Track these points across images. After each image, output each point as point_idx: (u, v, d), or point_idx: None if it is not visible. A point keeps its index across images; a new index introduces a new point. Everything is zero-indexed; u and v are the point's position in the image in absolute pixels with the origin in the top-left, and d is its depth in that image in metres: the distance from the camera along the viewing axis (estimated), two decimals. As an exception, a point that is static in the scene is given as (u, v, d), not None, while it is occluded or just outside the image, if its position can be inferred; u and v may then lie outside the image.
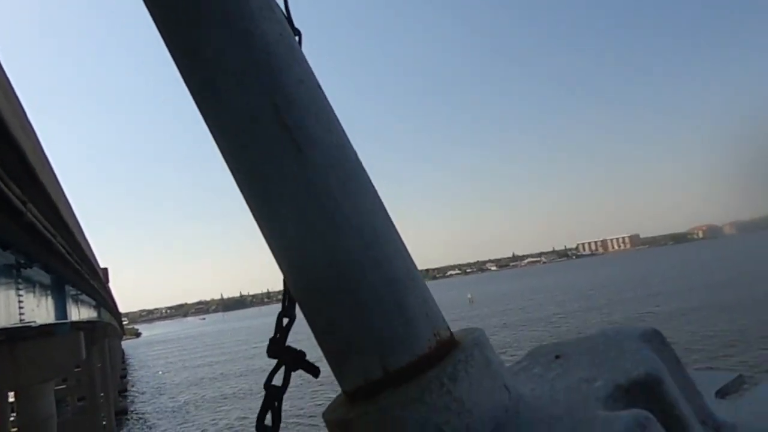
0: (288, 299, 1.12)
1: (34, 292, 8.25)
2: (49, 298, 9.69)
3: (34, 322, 7.72)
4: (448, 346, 0.93)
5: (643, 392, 0.93)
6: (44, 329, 9.70)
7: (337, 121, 1.01)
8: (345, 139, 0.99)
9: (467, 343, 0.94)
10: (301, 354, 1.09)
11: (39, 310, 8.56)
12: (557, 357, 1.28)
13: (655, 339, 1.10)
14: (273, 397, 1.09)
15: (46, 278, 9.14)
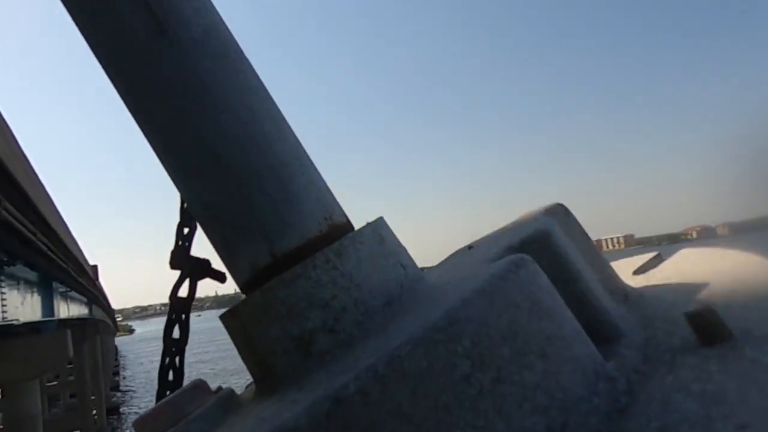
0: (185, 207, 1.06)
1: (18, 289, 8.16)
2: (35, 296, 9.59)
3: (17, 320, 7.64)
4: (342, 231, 0.89)
5: (532, 248, 0.89)
6: (31, 326, 9.62)
7: (213, 8, 0.95)
8: (218, 20, 0.94)
9: (362, 226, 0.90)
10: (206, 262, 1.05)
11: (24, 307, 8.46)
12: (470, 248, 1.24)
13: (559, 211, 1.08)
14: (178, 309, 1.04)
15: (31, 275, 9.04)
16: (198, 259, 1.07)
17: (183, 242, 1.07)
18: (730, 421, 0.54)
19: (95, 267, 22.17)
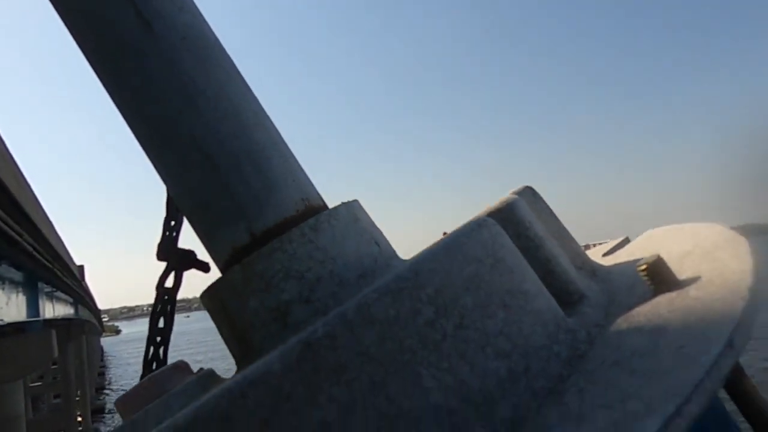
0: (171, 201, 1.09)
1: (3, 289, 8.08)
2: (21, 296, 9.50)
3: (2, 320, 7.58)
4: (318, 212, 0.92)
5: (497, 218, 0.92)
6: (16, 326, 9.52)
7: (194, 4, 1.00)
8: (200, 19, 0.99)
9: (337, 205, 0.94)
10: (191, 253, 1.08)
11: (8, 308, 8.38)
12: (444, 234, 1.29)
13: (526, 192, 1.10)
14: (164, 299, 1.07)
15: (17, 275, 8.97)
16: (184, 250, 1.10)
17: (170, 234, 1.10)
18: (672, 346, 0.59)
19: (82, 267, 21.96)
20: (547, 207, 1.10)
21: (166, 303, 1.10)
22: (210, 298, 0.93)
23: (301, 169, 0.99)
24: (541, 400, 0.60)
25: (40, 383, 23.94)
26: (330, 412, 0.56)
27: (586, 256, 1.08)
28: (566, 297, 0.84)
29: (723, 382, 0.51)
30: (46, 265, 8.96)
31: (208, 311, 0.96)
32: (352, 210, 0.93)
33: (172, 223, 1.11)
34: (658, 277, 0.79)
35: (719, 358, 0.51)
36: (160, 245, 1.09)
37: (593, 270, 1.04)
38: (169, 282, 1.10)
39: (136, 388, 0.92)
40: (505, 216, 0.91)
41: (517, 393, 0.60)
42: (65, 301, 16.86)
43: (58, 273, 10.57)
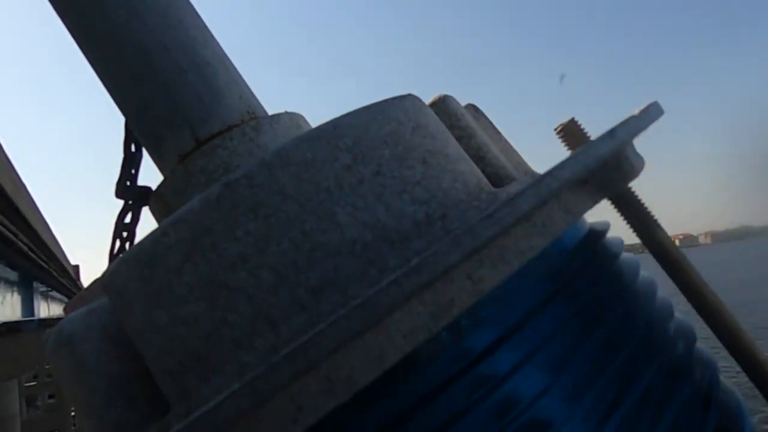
0: (128, 130, 1.12)
1: (-2, 289, 8.10)
2: (15, 295, 9.52)
3: (-4, 320, 7.58)
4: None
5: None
6: (10, 326, 9.54)
7: None
8: None
9: (280, 112, 0.95)
10: (147, 189, 1.11)
11: (3, 307, 8.40)
12: None
13: (469, 108, 1.09)
14: (123, 236, 1.10)
15: (12, 275, 8.98)
16: (140, 186, 1.13)
17: (127, 172, 1.13)
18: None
19: (77, 267, 21.90)
20: (491, 122, 1.09)
21: (124, 240, 1.13)
22: (154, 201, 0.94)
23: (249, 89, 1.00)
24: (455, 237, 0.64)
25: (34, 383, 23.89)
26: (248, 245, 0.58)
27: (528, 166, 1.10)
28: (497, 181, 0.83)
29: (599, 162, 0.58)
30: (42, 265, 8.98)
31: (153, 215, 0.97)
32: (295, 119, 0.94)
33: (130, 163, 1.15)
34: (571, 136, 0.82)
35: (597, 141, 0.60)
36: (117, 183, 1.13)
37: (534, 176, 1.06)
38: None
39: (83, 291, 0.94)
40: (438, 109, 0.89)
41: (432, 233, 0.62)
42: (60, 301, 16.87)
43: (54, 273, 10.59)
